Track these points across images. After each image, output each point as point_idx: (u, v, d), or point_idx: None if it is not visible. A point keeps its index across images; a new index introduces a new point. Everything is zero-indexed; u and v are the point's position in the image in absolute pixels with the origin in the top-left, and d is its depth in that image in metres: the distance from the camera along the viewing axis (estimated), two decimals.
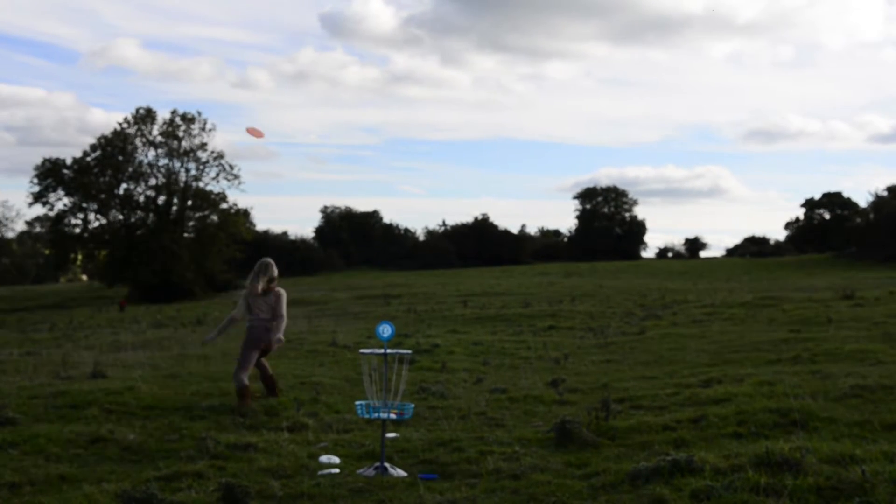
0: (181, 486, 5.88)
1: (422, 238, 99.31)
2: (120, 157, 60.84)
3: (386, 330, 6.58)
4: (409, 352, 7.47)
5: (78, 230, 61.45)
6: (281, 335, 9.18)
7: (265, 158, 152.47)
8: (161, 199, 62.31)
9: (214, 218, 62.75)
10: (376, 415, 6.57)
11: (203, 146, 62.69)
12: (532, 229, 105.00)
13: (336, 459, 6.62)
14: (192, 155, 62.45)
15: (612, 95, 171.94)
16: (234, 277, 63.13)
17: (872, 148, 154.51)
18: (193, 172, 62.90)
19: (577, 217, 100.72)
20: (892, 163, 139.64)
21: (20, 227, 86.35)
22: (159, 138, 61.81)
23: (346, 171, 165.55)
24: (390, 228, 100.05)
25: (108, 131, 61.43)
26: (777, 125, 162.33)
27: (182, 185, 62.37)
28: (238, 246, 61.87)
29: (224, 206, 62.96)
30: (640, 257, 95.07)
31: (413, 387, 10.36)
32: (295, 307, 33.88)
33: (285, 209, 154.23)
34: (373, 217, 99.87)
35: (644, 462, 5.78)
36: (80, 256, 63.82)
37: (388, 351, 6.73)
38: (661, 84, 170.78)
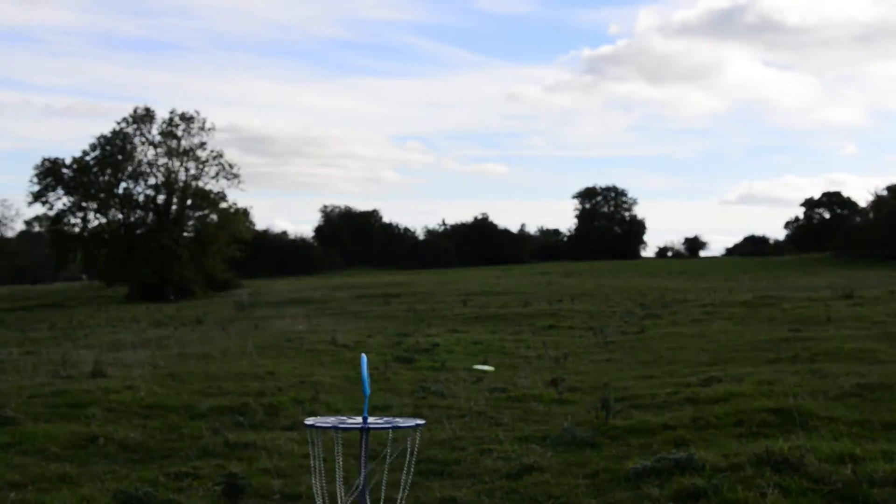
0: (181, 485, 5.88)
1: (421, 237, 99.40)
2: (119, 157, 60.84)
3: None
4: (421, 422, 3.44)
5: (77, 229, 61.48)
6: None
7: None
8: (161, 199, 62.31)
9: (214, 217, 62.72)
10: None
11: (202, 145, 62.75)
12: (532, 229, 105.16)
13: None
14: (191, 154, 62.47)
15: None
16: (233, 277, 63.17)
17: None
18: (193, 172, 62.92)
19: (577, 216, 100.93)
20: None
21: (19, 226, 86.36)
22: (158, 137, 61.86)
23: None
24: (390, 228, 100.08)
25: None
26: None
27: (181, 184, 62.39)
28: (238, 245, 61.88)
29: (224, 205, 62.96)
30: (639, 256, 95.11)
31: (413, 386, 10.36)
32: (294, 306, 33.89)
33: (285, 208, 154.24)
34: (372, 216, 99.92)
35: (644, 461, 5.78)
36: (79, 255, 63.70)
37: (374, 423, 3.19)
38: None
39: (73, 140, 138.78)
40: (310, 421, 3.20)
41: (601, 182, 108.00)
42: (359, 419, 2.93)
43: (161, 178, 62.70)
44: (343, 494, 2.96)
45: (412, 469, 3.50)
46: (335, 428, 2.97)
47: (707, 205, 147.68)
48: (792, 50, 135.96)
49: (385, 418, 2.94)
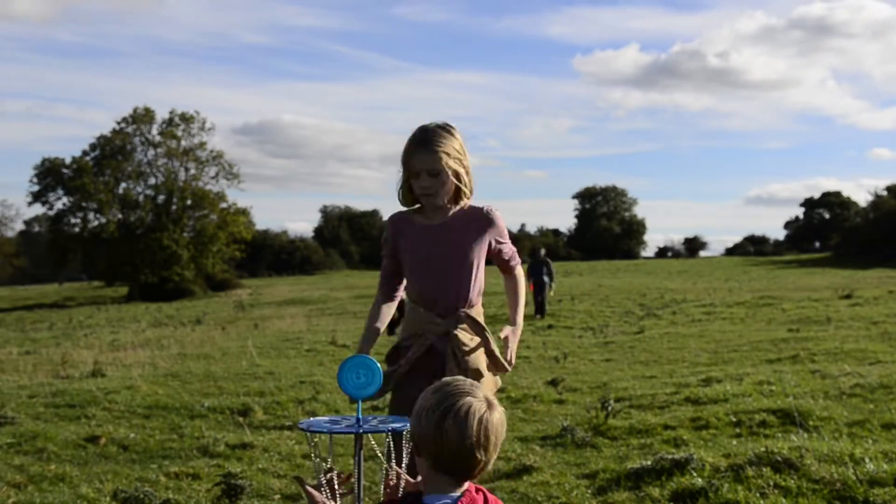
0: (181, 485, 5.89)
1: None
2: (119, 157, 60.86)
3: (358, 377, 2.79)
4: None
5: (77, 229, 61.50)
6: None
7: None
8: (160, 199, 62.31)
9: (214, 217, 62.75)
10: None
11: (202, 145, 62.76)
12: (531, 228, 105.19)
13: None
14: (191, 154, 62.49)
15: None
16: (233, 277, 63.22)
17: None
18: (193, 172, 62.95)
19: (577, 216, 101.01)
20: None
21: (19, 226, 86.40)
22: (158, 138, 61.87)
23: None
24: None
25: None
26: None
27: (181, 184, 62.41)
28: (238, 245, 61.92)
29: (223, 205, 62.99)
30: (639, 256, 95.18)
31: None
32: (294, 306, 33.88)
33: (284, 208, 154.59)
34: (372, 216, 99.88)
35: (644, 461, 5.78)
36: (79, 255, 63.74)
37: (368, 426, 2.78)
38: None
39: (33, 143, 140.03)
40: (303, 423, 2.96)
41: (601, 182, 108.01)
42: (352, 420, 2.91)
43: (161, 179, 62.71)
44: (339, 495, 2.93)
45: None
46: (329, 432, 2.89)
47: (719, 206, 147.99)
48: (816, 51, 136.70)
49: (379, 417, 2.91)
